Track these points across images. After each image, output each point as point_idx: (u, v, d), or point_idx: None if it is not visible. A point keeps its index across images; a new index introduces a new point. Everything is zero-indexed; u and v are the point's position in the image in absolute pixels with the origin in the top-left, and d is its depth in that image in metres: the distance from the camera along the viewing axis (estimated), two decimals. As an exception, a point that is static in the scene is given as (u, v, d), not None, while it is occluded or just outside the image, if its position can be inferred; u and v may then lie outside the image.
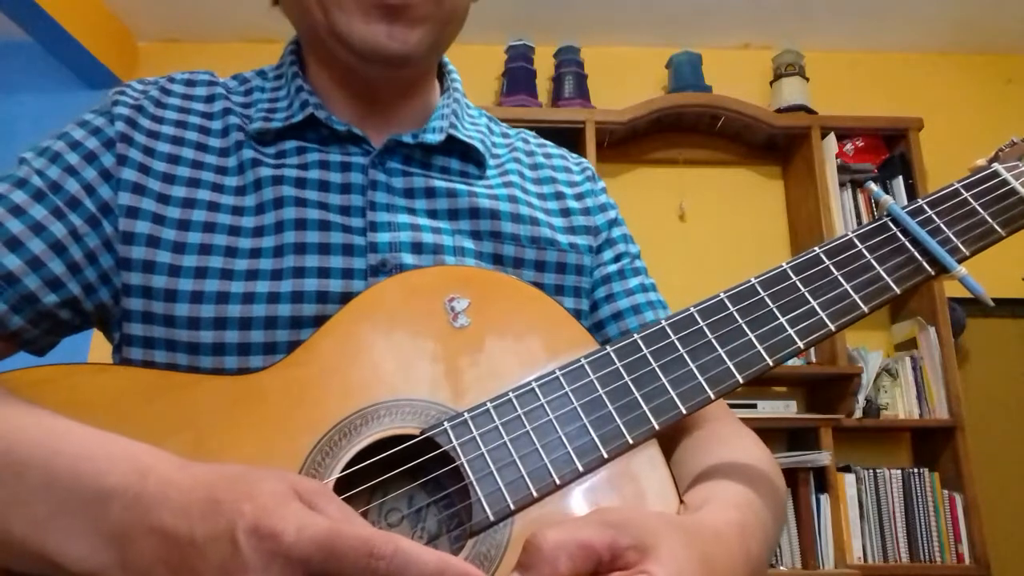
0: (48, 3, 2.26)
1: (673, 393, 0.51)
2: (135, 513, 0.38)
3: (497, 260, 0.64)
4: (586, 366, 0.52)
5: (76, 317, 0.59)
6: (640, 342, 0.53)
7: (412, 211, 0.63)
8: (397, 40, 0.59)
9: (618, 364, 0.52)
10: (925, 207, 0.57)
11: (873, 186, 0.63)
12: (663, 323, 0.53)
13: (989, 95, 2.82)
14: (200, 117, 0.64)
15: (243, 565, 0.35)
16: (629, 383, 0.51)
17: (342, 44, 0.60)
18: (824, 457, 2.20)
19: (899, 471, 2.30)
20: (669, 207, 2.66)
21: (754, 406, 2.31)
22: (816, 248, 0.56)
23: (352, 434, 0.48)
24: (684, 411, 0.50)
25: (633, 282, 0.71)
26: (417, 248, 0.61)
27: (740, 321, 0.53)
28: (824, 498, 2.20)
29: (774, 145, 2.69)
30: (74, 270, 0.57)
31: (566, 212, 0.71)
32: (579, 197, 0.73)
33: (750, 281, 0.55)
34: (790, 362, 2.40)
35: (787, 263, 0.56)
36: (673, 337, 0.53)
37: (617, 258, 0.72)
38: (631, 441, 0.49)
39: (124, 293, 0.58)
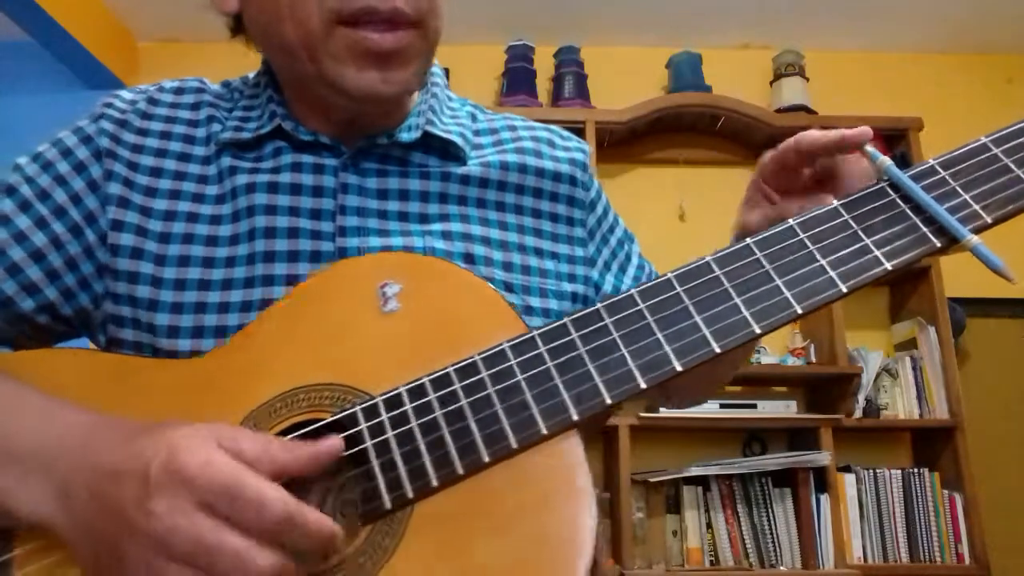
0: (48, 3, 2.26)
1: (599, 380, 0.46)
2: (78, 459, 0.45)
3: (468, 260, 0.62)
4: (507, 350, 0.48)
5: (56, 323, 0.61)
6: (569, 325, 0.49)
7: (383, 214, 0.62)
8: (391, 83, 0.58)
9: (542, 348, 0.48)
10: (937, 167, 0.50)
11: (869, 147, 0.55)
12: (597, 305, 0.49)
13: (989, 95, 2.81)
14: (185, 126, 0.65)
15: (150, 493, 0.40)
16: (552, 368, 0.47)
17: (333, 90, 0.59)
18: (824, 457, 2.19)
19: (899, 471, 2.29)
20: (669, 207, 2.66)
21: (754, 406, 2.30)
22: (790, 220, 0.50)
23: (271, 417, 0.50)
24: (609, 400, 0.46)
25: (635, 269, 0.77)
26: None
27: (687, 302, 0.48)
28: (824, 498, 2.20)
29: (774, 145, 2.64)
30: (52, 276, 0.59)
31: (555, 217, 0.69)
32: (573, 181, 0.70)
33: (704, 258, 0.49)
34: (790, 362, 2.39)
35: (752, 238, 0.50)
36: (607, 320, 0.48)
37: (620, 244, 0.76)
38: (545, 431, 0.45)
39: (113, 300, 0.60)
